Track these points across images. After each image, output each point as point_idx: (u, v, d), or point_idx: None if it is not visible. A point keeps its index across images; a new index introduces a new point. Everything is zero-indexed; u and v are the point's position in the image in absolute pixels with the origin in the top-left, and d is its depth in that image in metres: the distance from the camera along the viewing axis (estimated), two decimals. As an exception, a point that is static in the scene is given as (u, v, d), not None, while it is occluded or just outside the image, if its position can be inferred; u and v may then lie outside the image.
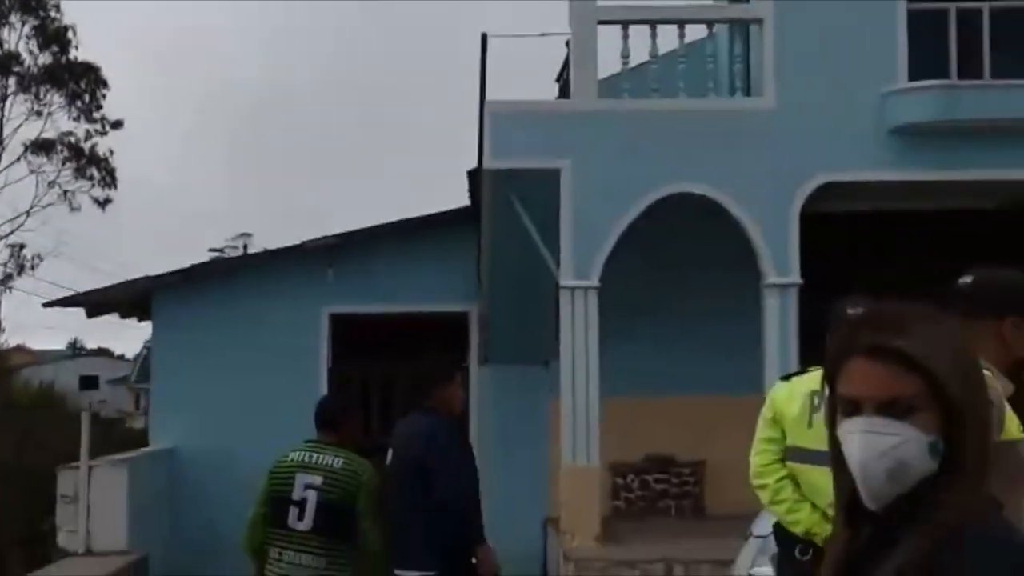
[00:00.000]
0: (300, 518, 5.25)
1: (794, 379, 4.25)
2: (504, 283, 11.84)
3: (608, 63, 10.40)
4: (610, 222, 9.95)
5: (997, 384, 3.10)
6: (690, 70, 10.18)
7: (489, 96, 10.75)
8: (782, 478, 4.07)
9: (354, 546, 5.30)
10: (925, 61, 10.07)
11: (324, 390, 13.24)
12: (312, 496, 5.24)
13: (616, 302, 10.25)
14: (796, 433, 4.06)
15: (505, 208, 10.72)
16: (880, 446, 1.60)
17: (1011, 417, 3.13)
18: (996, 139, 9.88)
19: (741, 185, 9.95)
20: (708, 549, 8.73)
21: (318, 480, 5.26)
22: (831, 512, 3.79)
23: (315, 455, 5.37)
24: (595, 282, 9.96)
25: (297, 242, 13.50)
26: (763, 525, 5.46)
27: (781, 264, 9.96)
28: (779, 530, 4.17)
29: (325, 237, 13.39)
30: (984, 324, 3.26)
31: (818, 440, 3.80)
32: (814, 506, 3.98)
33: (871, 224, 11.63)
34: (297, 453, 5.42)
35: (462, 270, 13.00)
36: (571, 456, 9.82)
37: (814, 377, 4.06)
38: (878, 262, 11.70)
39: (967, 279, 3.45)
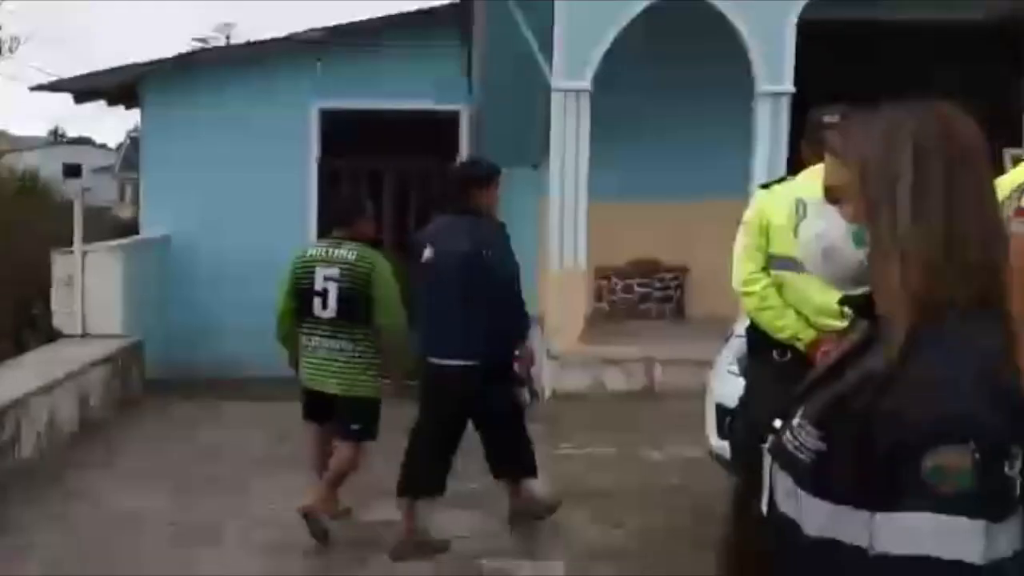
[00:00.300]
0: (324, 307, 5.86)
1: (776, 187, 4.26)
2: (496, 84, 11.79)
3: None
4: (605, 24, 9.86)
5: None
6: None
7: None
8: (767, 285, 4.13)
9: (375, 328, 5.87)
10: None
11: (313, 183, 13.36)
12: (332, 287, 5.84)
13: (607, 106, 10.26)
14: (781, 241, 4.09)
15: (499, 7, 10.59)
16: (814, 229, 1.71)
17: None
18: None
19: (740, -9, 9.85)
20: (688, 349, 9.06)
21: (336, 272, 5.84)
22: (814, 318, 3.96)
23: (331, 250, 5.95)
24: (587, 85, 9.95)
25: (284, 34, 13.34)
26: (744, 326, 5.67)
27: (775, 72, 9.96)
28: (754, 333, 4.24)
29: (313, 30, 13.21)
30: None
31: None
32: (798, 313, 4.06)
33: (863, 33, 11.55)
34: (315, 249, 6.05)
35: (454, 68, 12.90)
36: (558, 258, 10.04)
37: (798, 184, 4.13)
38: (870, 73, 11.68)
39: None
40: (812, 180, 4.02)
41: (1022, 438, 1.46)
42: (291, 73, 13.17)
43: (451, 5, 13.06)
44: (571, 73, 9.95)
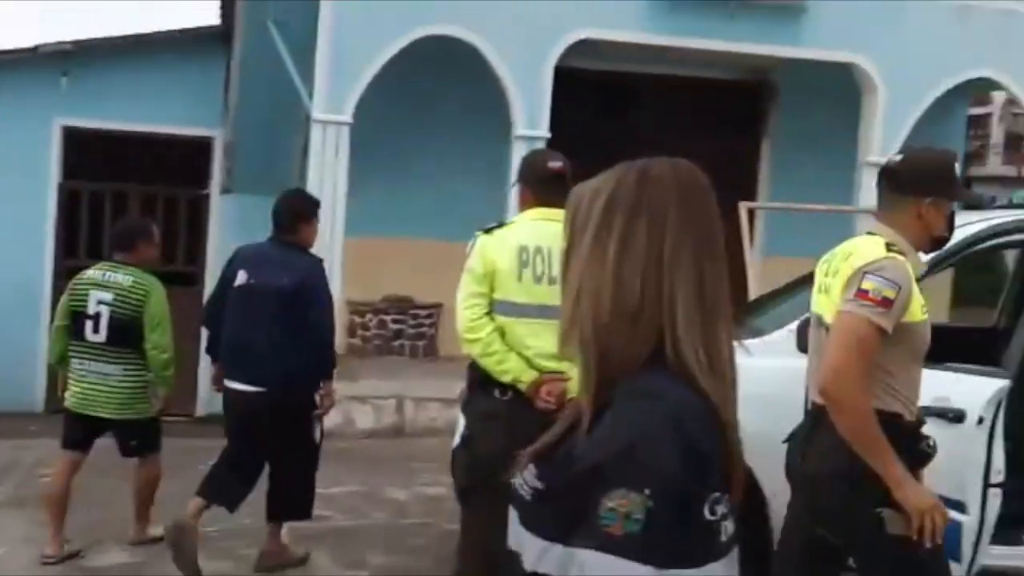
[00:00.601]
0: (96, 331, 5.90)
1: (497, 232, 4.28)
2: (253, 110, 11.50)
3: None
4: (367, 58, 9.81)
5: (909, 267, 3.33)
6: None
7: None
8: (492, 331, 4.18)
9: (145, 355, 5.94)
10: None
11: (53, 206, 12.62)
12: (105, 311, 5.88)
13: (366, 140, 10.20)
14: (506, 287, 4.18)
15: (259, 30, 10.37)
16: None
17: (917, 298, 3.33)
18: (742, 12, 10.30)
19: (500, 33, 10.00)
20: (439, 388, 9.04)
21: (109, 296, 5.88)
22: (536, 360, 4.09)
23: (108, 274, 5.98)
24: (348, 118, 9.86)
25: (29, 45, 12.58)
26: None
27: (532, 117, 10.15)
28: (476, 372, 4.29)
29: (61, 42, 12.52)
30: (906, 202, 3.45)
31: (526, 294, 4.10)
32: (519, 355, 4.17)
33: (621, 84, 11.98)
34: (93, 272, 6.05)
35: (208, 93, 12.50)
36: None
37: (521, 230, 4.24)
38: (625, 123, 12.12)
39: (896, 157, 3.59)
40: (534, 225, 4.21)
41: (719, 486, 1.50)
42: (34, 86, 12.42)
43: (213, 26, 12.70)
44: (332, 105, 9.83)
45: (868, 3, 10.52)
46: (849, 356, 3.22)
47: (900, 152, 3.74)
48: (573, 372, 4.22)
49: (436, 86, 11.21)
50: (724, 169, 11.85)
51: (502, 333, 4.19)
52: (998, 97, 16.03)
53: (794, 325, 4.93)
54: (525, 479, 1.62)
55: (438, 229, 11.65)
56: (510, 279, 4.17)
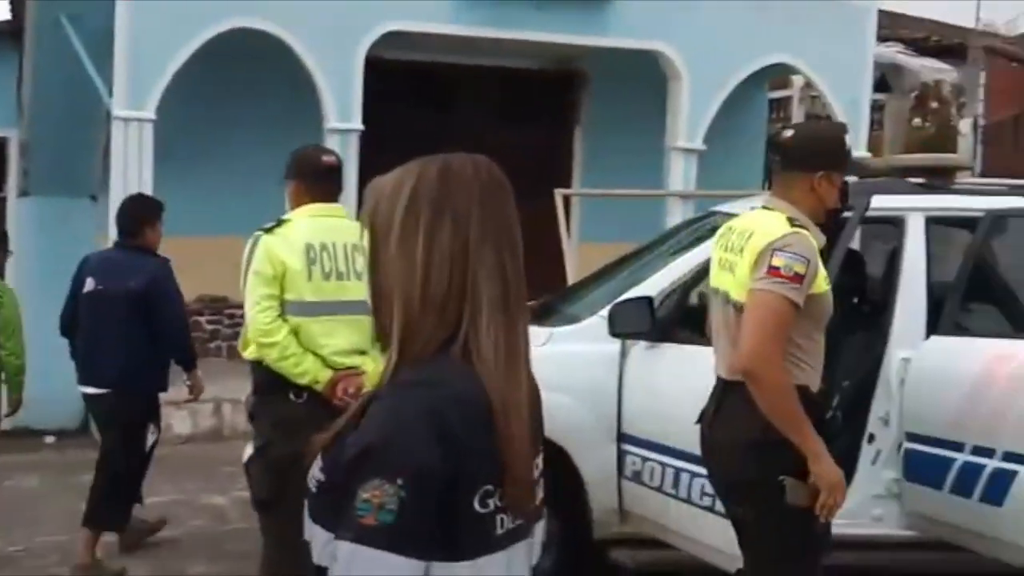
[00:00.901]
0: None
1: (279, 231, 4.20)
2: (49, 108, 11.00)
3: None
4: (169, 52, 9.49)
5: (813, 240, 3.39)
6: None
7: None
8: (287, 334, 4.11)
9: None
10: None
11: None
12: None
13: (173, 138, 9.88)
14: (298, 287, 4.12)
15: (52, 26, 9.92)
16: None
17: (820, 271, 3.41)
18: (546, 2, 10.41)
19: (307, 25, 9.81)
20: (258, 388, 8.82)
21: None
22: (331, 358, 4.05)
23: None
24: (151, 114, 9.53)
25: None
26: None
27: (344, 109, 10.03)
28: (268, 375, 4.18)
29: None
30: (798, 177, 3.51)
31: (317, 292, 4.06)
32: (315, 354, 4.12)
33: (433, 74, 11.96)
34: None
35: (1, 90, 11.89)
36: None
37: (305, 227, 4.18)
38: (437, 112, 12.11)
39: (788, 132, 3.64)
40: (315, 221, 4.19)
41: (491, 479, 1.51)
42: None
43: (4, 21, 12.09)
44: (133, 102, 9.48)
45: (669, -9, 10.79)
46: (766, 333, 3.30)
47: (791, 127, 3.84)
48: (369, 366, 4.22)
49: (245, 81, 10.94)
50: (538, 157, 12.05)
51: (295, 334, 4.11)
52: (797, 81, 16.69)
53: (605, 311, 5.01)
54: (313, 472, 1.62)
55: (251, 227, 11.34)
56: (300, 278, 4.11)
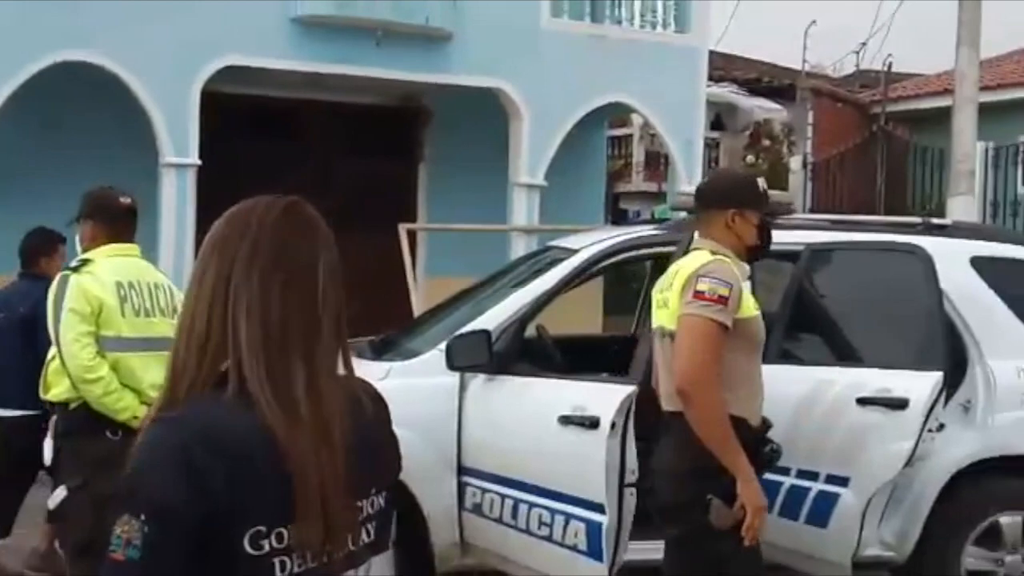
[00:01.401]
0: None
1: (86, 270, 4.26)
2: None
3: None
4: (-5, 84, 9.18)
5: (735, 268, 3.59)
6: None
7: None
8: (109, 369, 4.15)
9: None
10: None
11: None
12: None
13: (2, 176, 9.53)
14: (115, 323, 4.19)
15: None
16: None
17: (747, 296, 3.60)
18: (387, 39, 10.45)
19: (139, 59, 9.62)
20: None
21: None
22: (147, 393, 4.04)
23: None
24: (-26, 150, 9.18)
25: None
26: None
27: (179, 144, 9.85)
28: (85, 414, 4.19)
29: None
30: (714, 215, 3.75)
31: (132, 328, 4.13)
32: (133, 391, 4.17)
33: (275, 110, 11.84)
34: None
35: None
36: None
37: (106, 267, 4.27)
38: (279, 148, 11.98)
39: (700, 182, 3.96)
40: (116, 261, 4.30)
41: (268, 519, 1.50)
42: None
43: None
44: (-45, 136, 9.12)
45: (510, 32, 10.97)
46: (695, 354, 3.46)
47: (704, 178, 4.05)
48: None
49: (77, 116, 10.62)
50: (383, 193, 12.02)
51: (114, 370, 4.16)
52: (637, 119, 17.14)
53: (443, 344, 5.03)
54: None
55: (86, 265, 11.04)
56: (116, 315, 4.19)
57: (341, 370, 1.66)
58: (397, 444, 1.77)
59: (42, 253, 6.06)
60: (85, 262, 4.28)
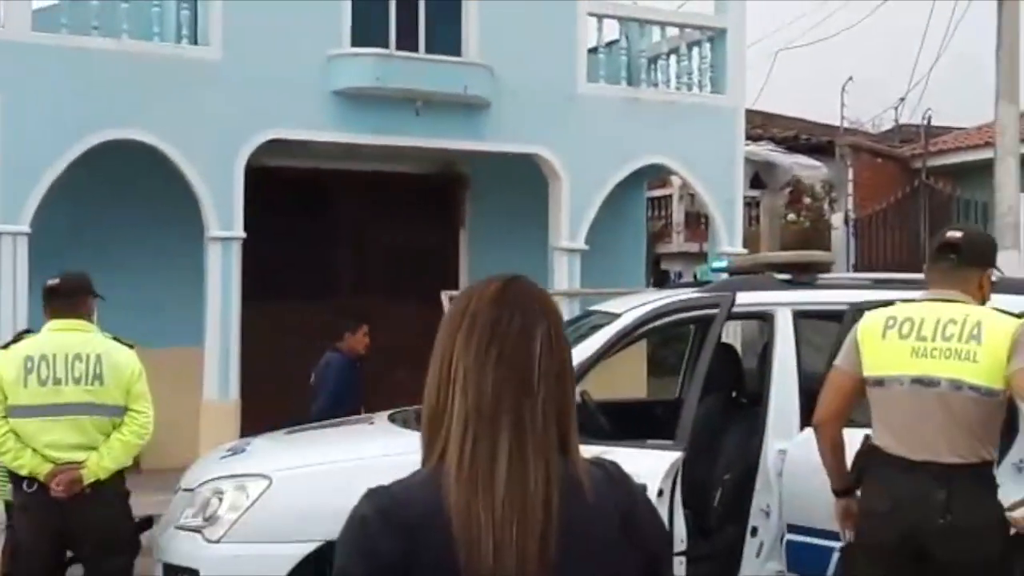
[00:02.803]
0: None
1: (12, 347, 5.06)
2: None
3: (43, -6, 9.81)
4: (44, 164, 9.37)
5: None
6: (134, 11, 9.81)
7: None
8: (7, 432, 4.89)
9: None
10: (368, 29, 10.52)
11: None
12: None
13: (49, 250, 9.67)
14: (15, 393, 4.91)
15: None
16: None
17: None
18: (426, 108, 10.58)
19: (185, 135, 9.80)
20: (146, 506, 8.56)
21: None
22: (48, 452, 4.77)
23: None
24: (26, 227, 9.35)
25: None
26: (190, 479, 5.51)
27: (224, 218, 9.98)
28: (5, 470, 5.13)
29: None
30: (973, 272, 3.84)
31: (31, 396, 4.91)
32: (34, 450, 4.90)
33: (316, 181, 11.99)
34: None
35: None
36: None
37: (34, 341, 5.04)
38: (321, 219, 12.12)
39: (957, 233, 3.91)
40: (50, 335, 5.01)
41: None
42: None
43: None
44: (7, 215, 9.31)
45: (547, 97, 11.07)
46: None
47: (955, 228, 4.02)
48: (92, 459, 4.81)
49: (123, 191, 10.81)
50: (424, 260, 12.05)
51: (17, 434, 4.90)
52: (677, 180, 17.17)
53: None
54: None
55: (136, 336, 11.16)
56: (18, 386, 4.90)
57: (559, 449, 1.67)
58: (639, 526, 1.72)
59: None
60: (17, 339, 5.22)
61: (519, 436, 1.62)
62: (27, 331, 5.46)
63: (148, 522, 5.53)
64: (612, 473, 1.73)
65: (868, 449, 3.89)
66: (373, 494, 1.65)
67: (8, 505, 5.39)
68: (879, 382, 3.81)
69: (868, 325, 3.91)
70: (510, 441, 1.61)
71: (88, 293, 5.35)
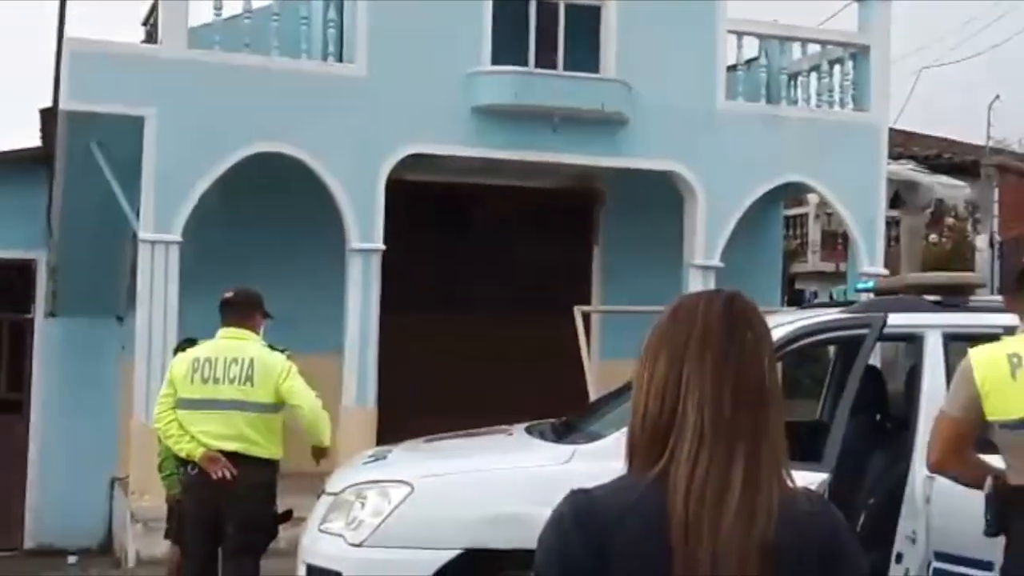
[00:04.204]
0: None
1: (188, 351, 6.06)
2: (78, 231, 11.22)
3: (199, 11, 10.18)
4: (195, 176, 9.72)
5: None
6: (283, 29, 10.13)
7: (69, 32, 10.17)
8: (171, 420, 5.79)
9: None
10: (507, 47, 10.65)
11: None
12: None
13: (198, 258, 10.03)
14: (183, 388, 5.80)
15: (82, 152, 10.17)
16: None
17: None
18: (564, 125, 10.64)
19: (329, 149, 10.06)
20: (287, 507, 8.79)
21: None
22: (204, 440, 5.74)
23: None
24: (177, 236, 9.72)
25: None
26: (334, 483, 5.64)
27: (365, 230, 10.20)
28: (172, 455, 6.17)
29: None
30: None
31: (193, 391, 5.74)
32: (192, 437, 5.74)
33: (454, 195, 12.17)
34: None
35: (30, 215, 12.13)
36: (144, 412, 9.53)
37: (205, 346, 5.93)
38: (459, 232, 12.29)
39: None
40: (217, 341, 5.88)
41: None
42: None
43: (33, 148, 12.40)
44: (159, 224, 9.67)
45: (684, 114, 11.02)
46: None
47: None
48: (235, 446, 5.62)
49: (268, 202, 11.12)
50: (558, 275, 12.10)
51: (180, 423, 5.76)
52: (813, 198, 16.90)
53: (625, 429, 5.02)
54: None
55: (280, 342, 11.47)
56: (185, 381, 5.79)
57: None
58: (842, 558, 1.73)
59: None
60: (180, 345, 6.55)
61: (755, 453, 1.65)
62: (189, 339, 6.49)
63: (288, 514, 5.96)
64: (817, 502, 1.75)
65: (1010, 490, 3.73)
66: (573, 495, 1.69)
67: (172, 497, 6.61)
68: (1020, 424, 3.65)
69: (987, 365, 3.72)
70: (746, 457, 1.64)
71: (256, 308, 6.05)
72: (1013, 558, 3.77)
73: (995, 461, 3.84)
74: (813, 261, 19.82)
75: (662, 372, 1.70)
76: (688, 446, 1.64)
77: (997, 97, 17.81)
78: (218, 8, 10.10)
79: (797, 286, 19.51)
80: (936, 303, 5.36)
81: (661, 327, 1.75)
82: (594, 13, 11.07)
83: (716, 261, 11.22)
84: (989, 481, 3.79)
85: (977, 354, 3.76)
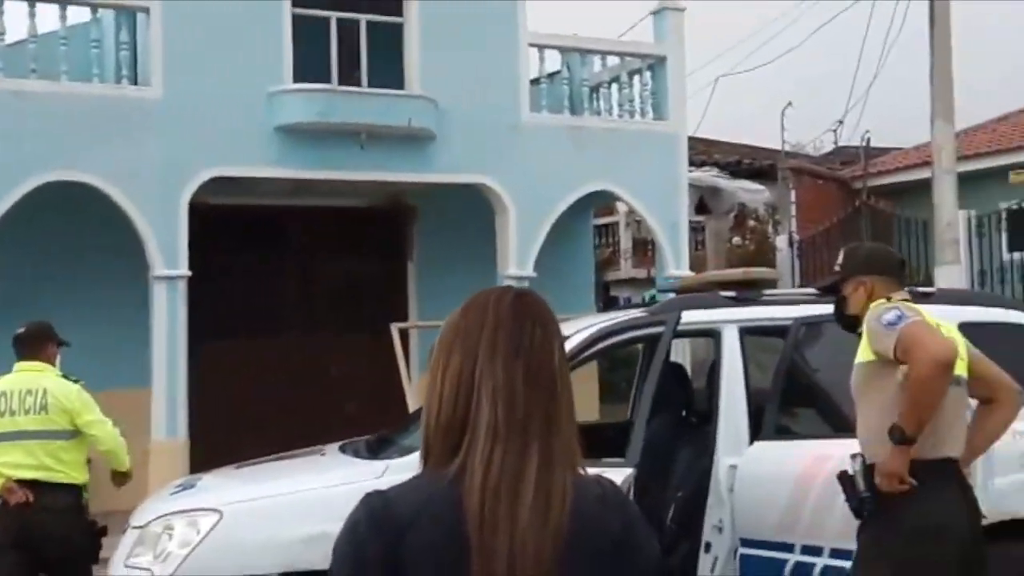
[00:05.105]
0: None
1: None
2: None
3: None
4: (-17, 209, 9.26)
5: None
6: (73, 53, 9.75)
7: None
8: None
9: None
10: (309, 65, 10.54)
11: None
12: None
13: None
14: None
15: None
16: None
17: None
18: (371, 142, 10.59)
19: (127, 175, 9.73)
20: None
21: None
22: (4, 470, 5.59)
23: None
24: (-35, 272, 9.23)
25: None
26: (140, 516, 5.44)
27: (169, 256, 9.90)
28: None
29: None
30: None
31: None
32: None
33: (262, 217, 11.95)
34: None
35: None
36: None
37: (1, 381, 5.77)
38: (268, 255, 12.07)
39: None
40: (13, 376, 5.76)
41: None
42: None
43: None
44: (-54, 260, 9.17)
45: (490, 128, 11.12)
46: None
47: None
48: (34, 475, 5.42)
49: (69, 232, 10.71)
50: (374, 292, 11.98)
51: None
52: (622, 207, 17.31)
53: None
54: None
55: (83, 378, 11.01)
56: None
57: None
58: (635, 545, 1.74)
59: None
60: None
61: (547, 445, 1.67)
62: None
63: (104, 530, 5.95)
64: (608, 490, 1.76)
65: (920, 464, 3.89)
66: (368, 497, 1.68)
67: None
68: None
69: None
70: (540, 452, 1.66)
71: (49, 340, 6.03)
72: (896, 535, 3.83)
73: None
74: (626, 268, 20.29)
75: (455, 367, 1.70)
76: (483, 441, 1.65)
77: (789, 104, 18.63)
78: (1, 34, 9.65)
79: (612, 293, 19.92)
80: (731, 298, 5.52)
81: (454, 323, 1.75)
82: (396, 30, 11.07)
83: (530, 271, 11.35)
84: (857, 461, 3.94)
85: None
